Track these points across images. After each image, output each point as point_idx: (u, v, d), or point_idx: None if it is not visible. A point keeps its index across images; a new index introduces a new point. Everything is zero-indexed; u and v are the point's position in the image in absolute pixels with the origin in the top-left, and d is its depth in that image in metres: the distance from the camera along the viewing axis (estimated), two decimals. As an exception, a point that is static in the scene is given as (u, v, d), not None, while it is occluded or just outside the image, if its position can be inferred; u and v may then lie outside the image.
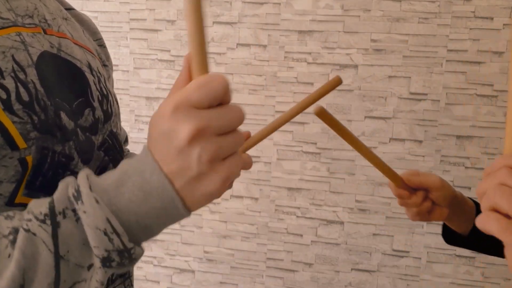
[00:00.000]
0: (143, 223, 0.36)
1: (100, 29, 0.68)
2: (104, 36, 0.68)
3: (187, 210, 0.37)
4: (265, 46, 1.49)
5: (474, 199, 0.75)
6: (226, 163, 0.35)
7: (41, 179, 0.44)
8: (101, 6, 1.58)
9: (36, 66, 0.45)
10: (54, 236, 0.34)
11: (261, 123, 1.52)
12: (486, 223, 0.36)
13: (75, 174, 0.48)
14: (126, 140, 0.79)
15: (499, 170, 0.37)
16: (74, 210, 0.35)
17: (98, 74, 0.57)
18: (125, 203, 0.35)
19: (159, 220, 0.36)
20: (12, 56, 0.43)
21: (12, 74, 0.42)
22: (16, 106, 0.42)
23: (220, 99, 0.35)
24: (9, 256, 0.33)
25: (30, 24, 0.48)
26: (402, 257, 1.50)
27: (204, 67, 0.36)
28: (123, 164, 0.38)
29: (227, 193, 1.57)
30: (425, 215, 0.71)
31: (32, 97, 0.44)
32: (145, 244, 0.38)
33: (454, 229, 0.74)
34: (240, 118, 0.36)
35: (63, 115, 0.47)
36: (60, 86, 0.48)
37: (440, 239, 1.47)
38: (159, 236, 1.61)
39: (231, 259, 1.61)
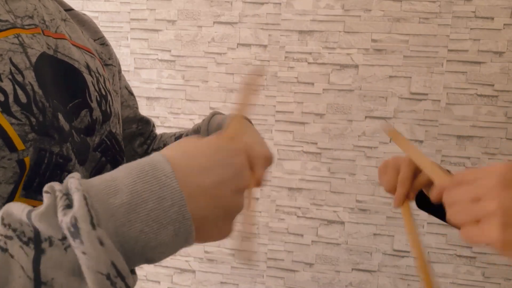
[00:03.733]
0: (148, 256, 0.32)
1: (100, 29, 0.68)
2: (105, 36, 0.68)
3: (192, 242, 0.35)
4: (265, 46, 1.49)
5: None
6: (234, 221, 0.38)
7: (38, 180, 0.44)
8: (101, 6, 1.58)
9: (34, 68, 0.46)
10: (36, 262, 0.29)
11: (261, 123, 1.52)
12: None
13: None
14: (153, 125, 0.79)
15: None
16: (62, 240, 0.30)
17: (97, 75, 0.57)
18: (135, 235, 0.31)
19: (164, 252, 0.33)
20: (10, 58, 0.43)
21: (10, 77, 0.43)
22: (14, 108, 0.42)
23: None
24: None
25: (30, 25, 0.48)
26: (403, 257, 1.50)
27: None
28: (134, 183, 0.32)
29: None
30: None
31: (30, 99, 0.44)
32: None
33: (427, 193, 0.74)
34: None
35: (60, 116, 0.47)
36: (56, 88, 0.49)
37: (441, 239, 1.47)
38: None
39: (231, 259, 1.61)
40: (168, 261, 1.65)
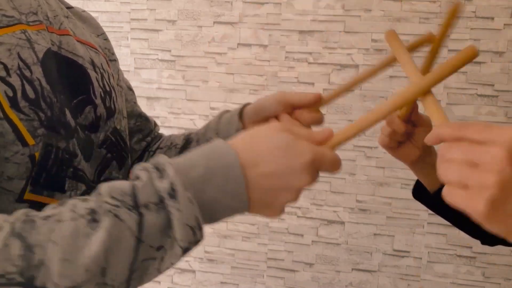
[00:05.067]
0: (215, 218, 0.42)
1: (101, 27, 0.68)
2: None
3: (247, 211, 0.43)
4: (266, 46, 1.49)
5: None
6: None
7: (45, 176, 0.44)
8: (101, 6, 1.58)
9: (41, 64, 0.45)
10: (140, 225, 0.37)
11: (262, 123, 1.51)
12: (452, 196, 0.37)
13: (78, 171, 0.48)
14: (155, 124, 0.77)
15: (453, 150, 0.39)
16: (157, 204, 0.38)
17: (102, 71, 0.57)
18: (207, 200, 0.40)
19: (225, 216, 0.42)
20: (18, 53, 0.43)
21: (18, 72, 0.42)
22: (22, 104, 0.42)
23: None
24: (87, 235, 0.35)
25: (34, 21, 0.48)
26: (403, 257, 1.50)
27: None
28: (206, 159, 0.41)
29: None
30: (394, 146, 0.68)
31: (38, 94, 0.44)
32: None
33: (424, 184, 0.73)
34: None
35: (67, 112, 0.47)
36: (61, 84, 0.48)
37: (441, 239, 1.47)
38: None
39: (231, 259, 1.61)
40: (168, 261, 1.65)
